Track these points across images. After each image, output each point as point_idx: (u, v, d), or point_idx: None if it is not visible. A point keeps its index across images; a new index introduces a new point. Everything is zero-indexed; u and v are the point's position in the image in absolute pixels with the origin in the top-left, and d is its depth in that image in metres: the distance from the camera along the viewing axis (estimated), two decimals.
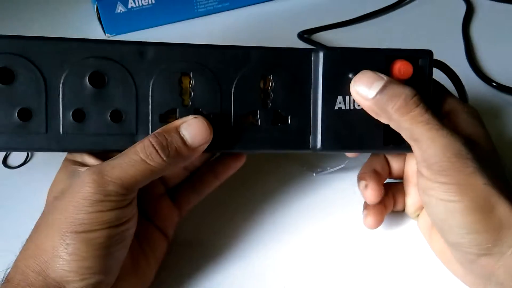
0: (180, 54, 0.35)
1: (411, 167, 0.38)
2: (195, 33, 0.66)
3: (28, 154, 0.51)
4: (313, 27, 0.64)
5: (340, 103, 0.36)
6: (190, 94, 0.35)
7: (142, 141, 0.33)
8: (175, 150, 0.33)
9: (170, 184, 0.41)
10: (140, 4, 0.64)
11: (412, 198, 0.39)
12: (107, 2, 0.63)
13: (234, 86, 0.35)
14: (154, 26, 0.67)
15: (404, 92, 0.33)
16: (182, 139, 0.33)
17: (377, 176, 0.39)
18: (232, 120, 0.36)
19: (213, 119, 0.35)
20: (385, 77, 0.34)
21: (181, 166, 0.35)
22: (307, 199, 0.45)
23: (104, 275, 0.32)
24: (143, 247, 0.38)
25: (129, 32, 0.66)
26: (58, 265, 0.31)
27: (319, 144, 0.36)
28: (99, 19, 0.64)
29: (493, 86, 0.55)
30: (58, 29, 0.68)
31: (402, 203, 0.40)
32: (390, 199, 0.41)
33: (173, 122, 0.34)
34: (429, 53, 0.37)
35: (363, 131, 0.36)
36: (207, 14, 0.69)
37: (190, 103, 0.35)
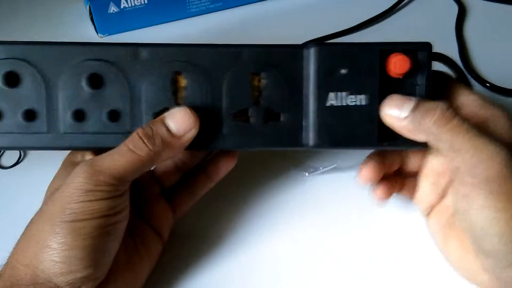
0: (173, 53, 0.36)
1: (432, 165, 0.38)
2: (187, 33, 0.66)
3: (21, 154, 0.51)
4: (305, 28, 0.65)
5: (331, 99, 0.35)
6: (184, 93, 0.36)
7: (131, 134, 0.34)
8: (160, 139, 0.34)
9: (166, 185, 0.41)
10: (133, 4, 0.64)
11: (424, 194, 0.39)
12: (100, 2, 0.63)
13: (225, 84, 0.36)
14: (147, 26, 0.67)
15: (439, 105, 0.33)
16: (167, 128, 0.34)
17: (382, 165, 0.39)
18: (224, 118, 0.36)
19: (206, 117, 0.35)
20: (413, 98, 0.34)
21: (170, 156, 0.35)
22: (299, 198, 0.45)
23: (93, 268, 0.32)
24: (138, 246, 0.38)
25: (121, 32, 0.66)
26: (47, 256, 0.31)
27: (311, 141, 0.36)
28: (92, 19, 0.64)
29: (486, 87, 0.55)
30: (51, 29, 0.67)
31: (410, 192, 0.40)
32: (397, 182, 0.40)
33: (161, 115, 0.35)
34: (427, 45, 0.36)
35: (356, 128, 0.36)
36: (200, 14, 0.69)
37: (184, 102, 0.35)
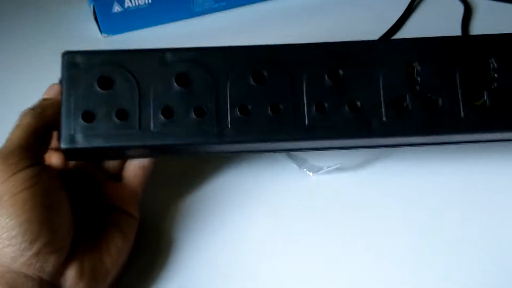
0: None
1: None
2: (192, 33, 0.66)
3: None
4: (311, 28, 0.65)
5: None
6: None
7: None
8: (38, 104, 0.38)
9: (112, 171, 0.43)
10: (137, 4, 0.64)
11: None
12: (104, 1, 0.63)
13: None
14: (151, 26, 0.67)
15: None
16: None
17: None
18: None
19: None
20: None
21: (55, 111, 0.38)
22: (303, 198, 0.45)
23: (41, 242, 0.33)
24: (106, 226, 0.39)
25: (126, 31, 0.66)
26: None
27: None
28: (96, 18, 0.64)
29: None
30: (54, 28, 0.67)
31: None
32: None
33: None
34: None
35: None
36: (204, 14, 0.69)
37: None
